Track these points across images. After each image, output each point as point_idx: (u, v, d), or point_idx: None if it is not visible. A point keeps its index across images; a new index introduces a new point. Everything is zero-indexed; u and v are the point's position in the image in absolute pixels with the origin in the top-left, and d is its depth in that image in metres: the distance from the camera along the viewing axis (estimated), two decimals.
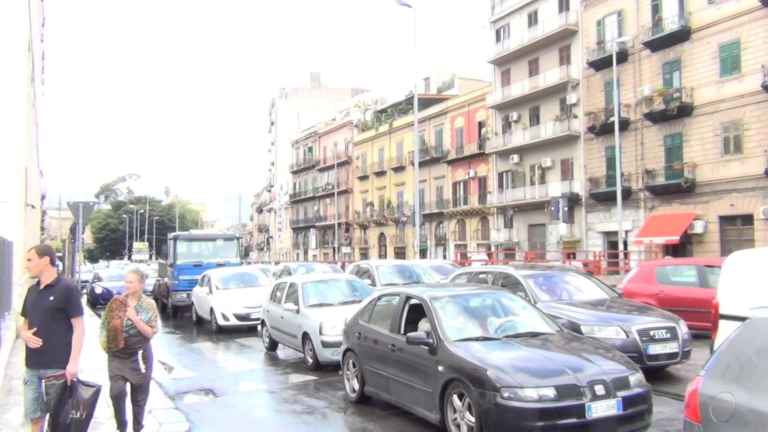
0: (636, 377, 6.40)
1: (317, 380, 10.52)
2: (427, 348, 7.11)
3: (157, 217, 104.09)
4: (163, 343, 15.50)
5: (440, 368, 6.79)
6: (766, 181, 28.19)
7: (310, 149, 79.28)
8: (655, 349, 8.95)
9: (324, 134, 75.95)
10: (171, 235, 23.97)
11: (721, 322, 6.90)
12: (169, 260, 23.12)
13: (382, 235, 62.81)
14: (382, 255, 60.64)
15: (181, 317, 21.94)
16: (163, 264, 25.77)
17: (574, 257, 35.58)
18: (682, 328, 9.35)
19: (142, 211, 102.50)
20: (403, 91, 65.17)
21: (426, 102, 55.95)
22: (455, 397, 6.54)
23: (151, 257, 78.75)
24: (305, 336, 11.50)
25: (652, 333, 9.03)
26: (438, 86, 64.64)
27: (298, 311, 12.00)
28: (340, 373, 9.35)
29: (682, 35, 33.43)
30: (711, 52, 32.37)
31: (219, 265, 21.67)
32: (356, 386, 8.70)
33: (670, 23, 34.20)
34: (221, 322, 16.92)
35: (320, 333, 10.98)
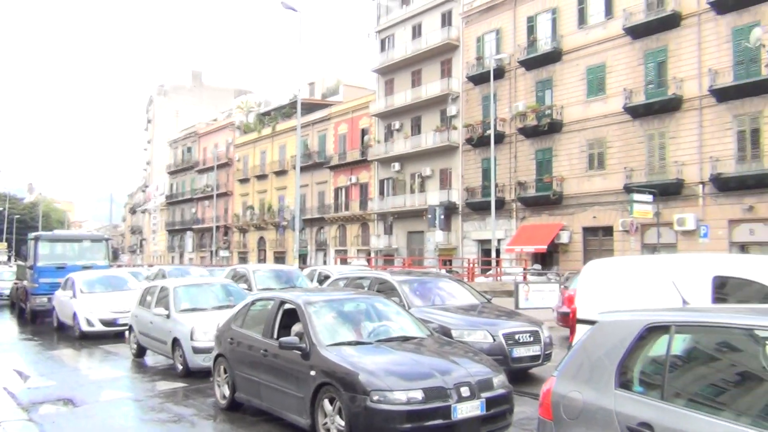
0: (499, 379, 6.66)
1: (187, 387, 10.18)
2: (299, 353, 7.06)
3: (18, 216, 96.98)
4: (19, 351, 14.45)
5: (312, 373, 6.77)
6: (625, 195, 30.34)
7: (189, 149, 76.86)
8: (519, 351, 9.38)
9: (204, 135, 73.90)
10: (32, 235, 22.45)
11: (578, 326, 7.33)
12: (29, 262, 21.63)
13: (261, 239, 61.89)
14: (262, 259, 59.77)
15: (41, 323, 20.54)
16: (22, 266, 24.05)
17: (450, 264, 36.68)
18: (545, 332, 9.87)
19: (1, 208, 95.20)
20: (288, 94, 64.58)
21: (310, 107, 55.84)
22: (326, 402, 6.53)
23: (10, 259, 73.21)
24: (175, 342, 11.10)
25: (517, 337, 9.47)
26: (323, 92, 64.69)
27: (168, 316, 11.57)
28: (211, 379, 9.10)
29: (554, 56, 35.43)
30: (579, 74, 34.50)
31: (85, 267, 20.50)
32: (227, 393, 8.50)
33: (544, 44, 36.15)
34: (85, 327, 16.01)
35: (191, 338, 10.64)
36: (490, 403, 6.36)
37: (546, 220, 35.61)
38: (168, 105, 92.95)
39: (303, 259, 50.61)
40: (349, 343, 7.12)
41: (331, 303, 8.03)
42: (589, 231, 34.01)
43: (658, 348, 3.73)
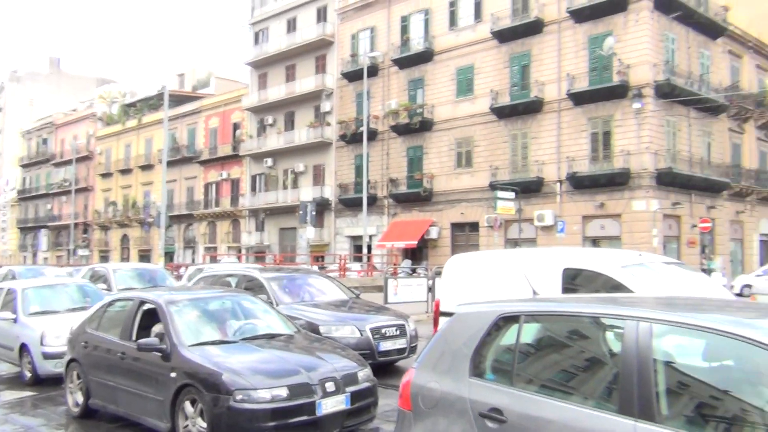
0: (364, 372, 6.72)
1: (36, 396, 9.48)
2: (159, 354, 6.77)
3: None
4: None
5: (173, 374, 6.50)
6: (491, 193, 31.65)
7: (45, 141, 71.71)
8: (385, 345, 9.54)
9: (62, 125, 69.22)
10: None
11: (441, 319, 7.55)
12: None
13: (125, 237, 58.97)
14: (125, 258, 56.92)
15: None
16: None
17: (323, 260, 36.69)
18: (410, 326, 10.09)
19: None
20: (156, 85, 61.76)
21: (179, 99, 53.86)
22: (187, 404, 6.31)
23: None
24: (23, 347, 10.29)
25: (383, 331, 9.62)
26: (193, 84, 62.58)
27: (15, 320, 10.71)
28: (63, 386, 8.52)
29: (426, 56, 36.32)
30: (450, 74, 35.60)
31: None
32: (80, 400, 7.99)
33: (417, 44, 36.97)
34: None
35: (41, 343, 9.90)
36: (355, 396, 6.40)
37: (417, 216, 36.48)
38: (21, 92, 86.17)
39: (170, 257, 48.74)
40: (213, 343, 6.92)
41: (194, 302, 7.76)
42: (457, 227, 35.21)
43: (508, 337, 3.89)
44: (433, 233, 35.32)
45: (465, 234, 34.89)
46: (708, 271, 30.66)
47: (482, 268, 7.57)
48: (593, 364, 3.67)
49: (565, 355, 3.82)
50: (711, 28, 32.13)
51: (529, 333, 3.88)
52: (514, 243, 31.04)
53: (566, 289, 6.63)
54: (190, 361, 6.46)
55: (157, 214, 28.67)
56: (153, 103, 58.03)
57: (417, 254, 36.29)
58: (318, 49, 42.53)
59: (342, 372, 6.47)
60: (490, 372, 3.89)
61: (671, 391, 3.22)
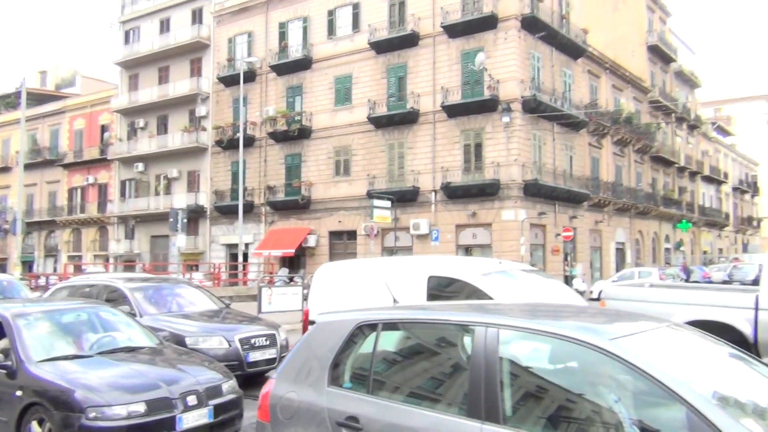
0: (229, 384, 6.58)
1: None
2: (4, 372, 6.29)
3: None
4: None
5: (18, 393, 6.06)
6: (368, 201, 31.99)
7: None
8: (255, 356, 9.37)
9: None
10: None
11: (310, 327, 7.52)
12: None
13: None
14: None
15: None
16: None
17: (197, 269, 35.60)
18: (281, 335, 9.98)
19: None
20: (13, 81, 57.63)
21: (41, 97, 50.58)
22: (34, 424, 5.90)
23: None
24: None
25: (252, 341, 9.45)
26: (56, 82, 58.88)
27: None
28: None
29: (305, 64, 36.22)
30: (328, 83, 35.70)
31: None
32: None
33: (295, 51, 36.79)
34: None
35: None
36: (219, 409, 6.25)
37: (294, 224, 36.23)
38: None
39: (29, 266, 45.50)
40: (66, 358, 6.52)
41: (47, 314, 7.29)
42: (335, 235, 35.30)
43: (367, 345, 3.94)
44: (311, 241, 35.21)
45: (343, 242, 35.05)
46: (570, 278, 32.65)
47: (349, 277, 7.63)
48: (446, 369, 3.78)
49: (420, 362, 3.92)
50: (572, 49, 34.29)
51: (386, 340, 3.95)
52: (390, 251, 31.53)
53: (431, 297, 6.81)
54: (39, 378, 6.06)
55: (12, 220, 26.63)
56: (11, 101, 54.03)
57: (295, 262, 36.03)
58: (193, 52, 41.33)
59: (205, 385, 6.29)
60: (348, 380, 3.92)
61: (516, 393, 3.38)
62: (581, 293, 29.53)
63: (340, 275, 7.82)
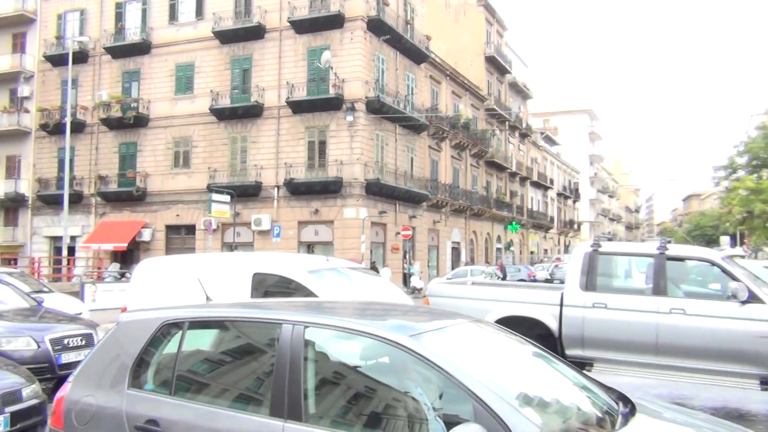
0: (31, 389, 6.06)
1: None
2: None
3: None
4: None
5: None
6: (208, 195, 31.04)
7: None
8: (68, 357, 8.70)
9: None
10: None
11: (112, 327, 7.12)
12: None
13: None
14: None
15: None
16: None
17: (15, 263, 32.66)
18: (100, 335, 9.37)
19: None
20: None
21: None
22: None
23: None
24: None
25: (66, 341, 8.78)
26: None
27: None
28: None
29: (143, 48, 34.41)
30: (168, 70, 34.17)
31: None
32: None
33: (132, 34, 34.84)
34: None
35: None
36: (16, 417, 5.73)
37: (128, 217, 34.32)
38: None
39: None
40: None
41: None
42: (172, 229, 33.90)
43: (171, 345, 3.78)
44: (146, 235, 33.53)
45: (181, 237, 33.74)
46: (408, 275, 33.75)
47: (169, 274, 7.32)
48: (253, 369, 3.72)
49: (227, 361, 3.82)
50: (416, 54, 35.42)
51: (192, 340, 3.81)
52: (230, 247, 30.80)
53: (257, 294, 6.70)
54: None
55: None
56: None
57: (128, 257, 34.10)
58: (16, 26, 37.85)
59: (1, 390, 5.75)
60: (150, 382, 3.74)
61: (322, 391, 3.40)
62: (419, 290, 30.68)
63: (160, 272, 7.48)
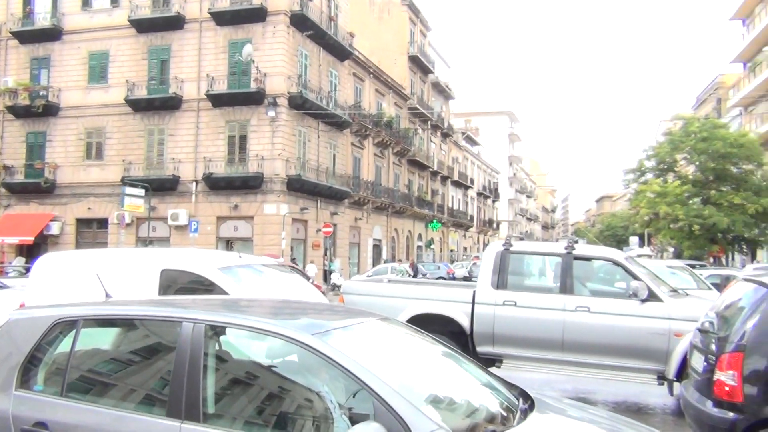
0: None
1: None
2: None
3: None
4: None
5: None
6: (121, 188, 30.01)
7: None
8: None
9: None
10: None
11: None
12: None
13: None
14: None
15: None
16: None
17: None
18: None
19: None
20: None
21: None
22: None
23: None
24: None
25: None
26: None
27: None
28: None
29: (54, 34, 32.87)
30: (81, 57, 32.77)
31: None
32: None
33: (42, 19, 33.20)
34: None
35: None
36: None
37: (35, 209, 32.73)
38: None
39: None
40: None
41: None
42: (83, 223, 32.58)
43: (64, 344, 3.60)
44: (55, 229, 32.05)
45: (92, 231, 32.45)
46: (329, 272, 33.65)
47: (71, 270, 6.99)
48: (150, 369, 3.60)
49: (122, 361, 3.68)
50: (339, 51, 35.33)
51: (87, 339, 3.64)
52: (145, 242, 29.87)
53: (165, 292, 6.49)
54: None
55: None
56: None
57: (35, 251, 32.42)
58: None
59: None
60: (41, 383, 3.55)
61: (222, 391, 3.32)
62: (339, 287, 30.61)
63: (61, 267, 7.14)
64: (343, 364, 3.04)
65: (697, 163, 33.12)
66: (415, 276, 30.49)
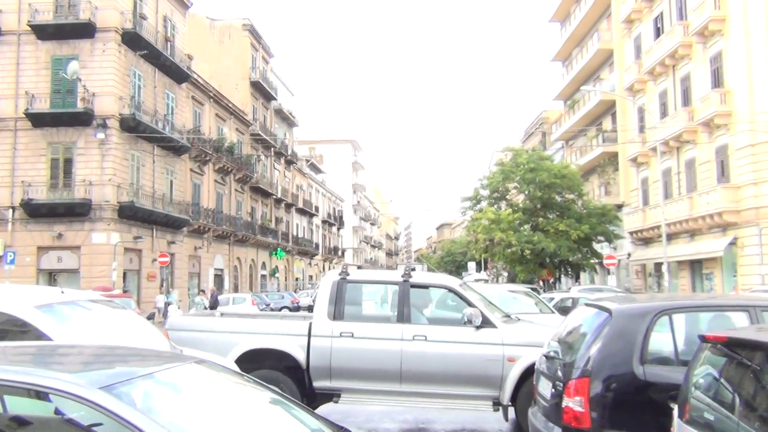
0: None
1: None
2: None
3: None
4: None
5: None
6: None
7: None
8: None
9: None
10: None
11: None
12: None
13: None
14: None
15: None
16: None
17: None
18: None
19: None
20: None
21: None
22: None
23: None
24: None
25: None
26: None
27: None
28: None
29: None
30: None
31: None
32: None
33: None
34: None
35: None
36: None
37: None
38: None
39: None
40: None
41: None
42: None
43: None
44: None
45: None
46: (167, 304, 31.70)
47: None
48: None
49: None
50: (177, 73, 33.95)
51: None
52: None
53: None
54: None
55: None
56: None
57: None
58: None
59: None
60: None
61: None
62: None
63: None
64: (131, 422, 2.57)
65: (527, 192, 35.21)
66: (213, 307, 26.79)
